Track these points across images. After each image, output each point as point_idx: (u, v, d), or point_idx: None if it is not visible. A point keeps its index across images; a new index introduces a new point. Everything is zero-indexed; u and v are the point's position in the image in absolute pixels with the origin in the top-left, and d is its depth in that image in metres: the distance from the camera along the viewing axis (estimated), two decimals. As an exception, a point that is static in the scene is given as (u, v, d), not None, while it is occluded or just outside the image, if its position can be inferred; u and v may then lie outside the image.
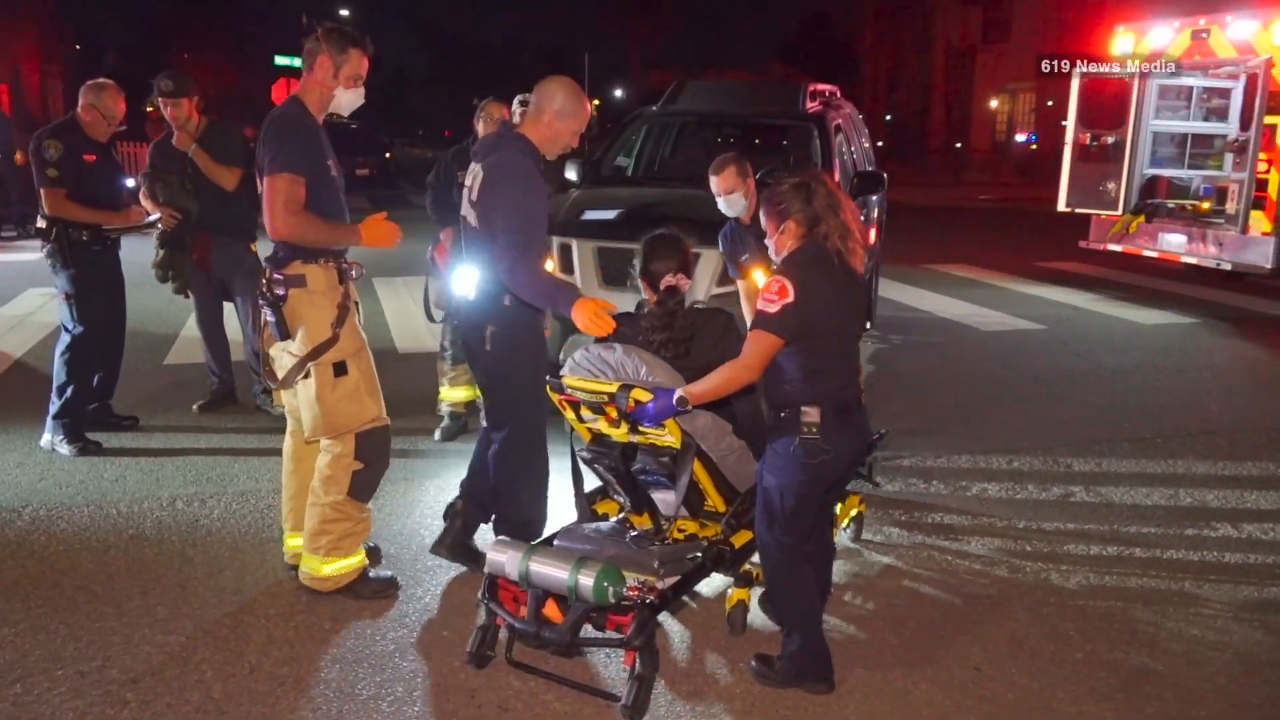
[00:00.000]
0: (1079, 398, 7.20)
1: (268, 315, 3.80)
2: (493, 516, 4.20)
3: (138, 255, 7.16)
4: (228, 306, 6.43)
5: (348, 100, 3.89)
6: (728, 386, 3.28)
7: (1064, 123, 12.33)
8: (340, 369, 3.83)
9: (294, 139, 3.71)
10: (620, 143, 8.23)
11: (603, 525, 3.67)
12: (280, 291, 3.75)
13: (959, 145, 38.69)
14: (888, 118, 43.87)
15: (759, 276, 4.96)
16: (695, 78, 9.71)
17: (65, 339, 5.73)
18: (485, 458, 4.11)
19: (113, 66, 26.12)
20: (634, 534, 3.57)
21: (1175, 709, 3.38)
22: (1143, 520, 4.97)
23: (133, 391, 6.66)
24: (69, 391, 5.68)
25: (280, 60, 24.89)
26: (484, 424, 4.17)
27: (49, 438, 5.68)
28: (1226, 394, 7.39)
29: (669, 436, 3.38)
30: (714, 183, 4.91)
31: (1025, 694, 3.44)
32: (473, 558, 4.17)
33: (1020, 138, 37.86)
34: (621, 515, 3.82)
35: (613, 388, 3.34)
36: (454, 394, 5.99)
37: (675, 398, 3.24)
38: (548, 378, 3.60)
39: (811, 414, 3.19)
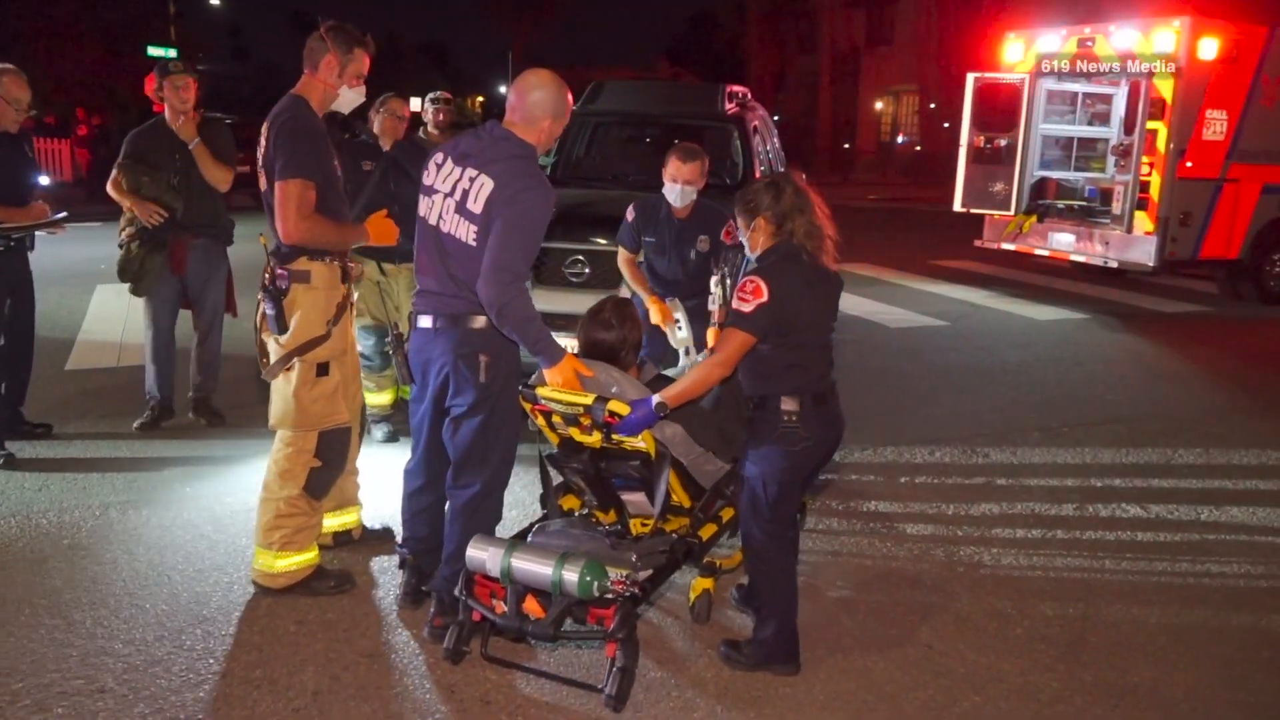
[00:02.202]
0: (987, 391, 7.62)
1: (267, 308, 3.86)
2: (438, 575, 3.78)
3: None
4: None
5: (350, 99, 3.97)
6: (703, 385, 3.45)
7: (946, 125, 12.91)
8: (323, 370, 3.90)
9: (306, 142, 3.77)
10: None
11: (572, 522, 3.78)
12: (283, 285, 3.84)
13: (846, 146, 39.75)
14: (775, 117, 44.78)
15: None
16: (578, 75, 9.84)
17: None
18: (429, 514, 3.84)
19: None
20: (606, 530, 3.70)
21: (1112, 676, 3.69)
22: (1060, 503, 5.33)
23: (37, 399, 6.44)
24: (-22, 400, 5.49)
25: (154, 51, 24.02)
26: (417, 462, 3.80)
27: (-39, 449, 5.48)
28: (1122, 385, 7.91)
29: (641, 443, 3.50)
30: (678, 168, 4.91)
31: (975, 668, 3.70)
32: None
33: (901, 139, 39.16)
34: (585, 511, 3.94)
35: (588, 399, 3.42)
36: (381, 398, 6.01)
37: (654, 404, 3.35)
38: (520, 387, 3.61)
39: (791, 404, 3.39)
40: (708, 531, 3.86)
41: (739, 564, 4.22)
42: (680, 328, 4.82)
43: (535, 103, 3.42)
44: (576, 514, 3.96)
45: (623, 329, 3.78)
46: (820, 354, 3.49)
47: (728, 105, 8.16)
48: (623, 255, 5.26)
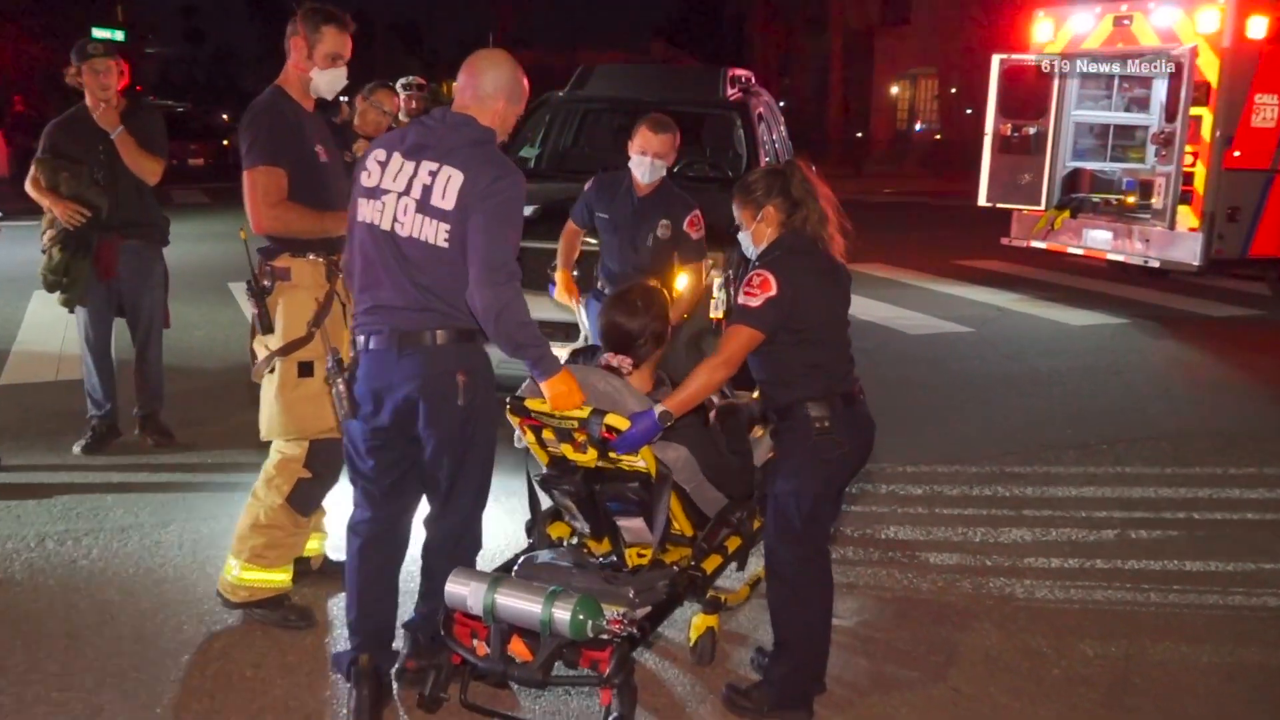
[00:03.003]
0: (1017, 403, 7.61)
1: (252, 307, 3.96)
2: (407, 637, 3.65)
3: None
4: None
5: (326, 82, 4.02)
6: (707, 388, 3.45)
7: (968, 111, 12.94)
8: (306, 369, 3.96)
9: (269, 128, 3.87)
10: (523, 133, 8.30)
11: (562, 553, 3.74)
12: (267, 284, 3.94)
13: (859, 135, 39.85)
14: (781, 104, 44.86)
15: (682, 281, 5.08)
16: (565, 59, 9.82)
17: None
18: (387, 581, 3.63)
19: None
20: (600, 562, 3.66)
21: (1159, 721, 3.67)
22: (1098, 529, 5.31)
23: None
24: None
25: (99, 34, 24.02)
26: (367, 515, 3.56)
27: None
28: (1165, 397, 7.91)
29: (641, 462, 3.48)
30: (648, 139, 4.88)
31: (1008, 713, 3.67)
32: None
33: (920, 126, 39.27)
34: (576, 541, 3.91)
35: (583, 413, 3.40)
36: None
37: (657, 415, 3.35)
38: (508, 399, 3.59)
39: (820, 409, 3.39)
40: (712, 563, 3.83)
41: (746, 598, 4.19)
42: (581, 309, 4.83)
43: (488, 84, 3.36)
44: (566, 543, 3.93)
45: (647, 316, 3.77)
46: (840, 351, 3.52)
47: (729, 91, 8.15)
48: (568, 228, 5.23)
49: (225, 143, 27.56)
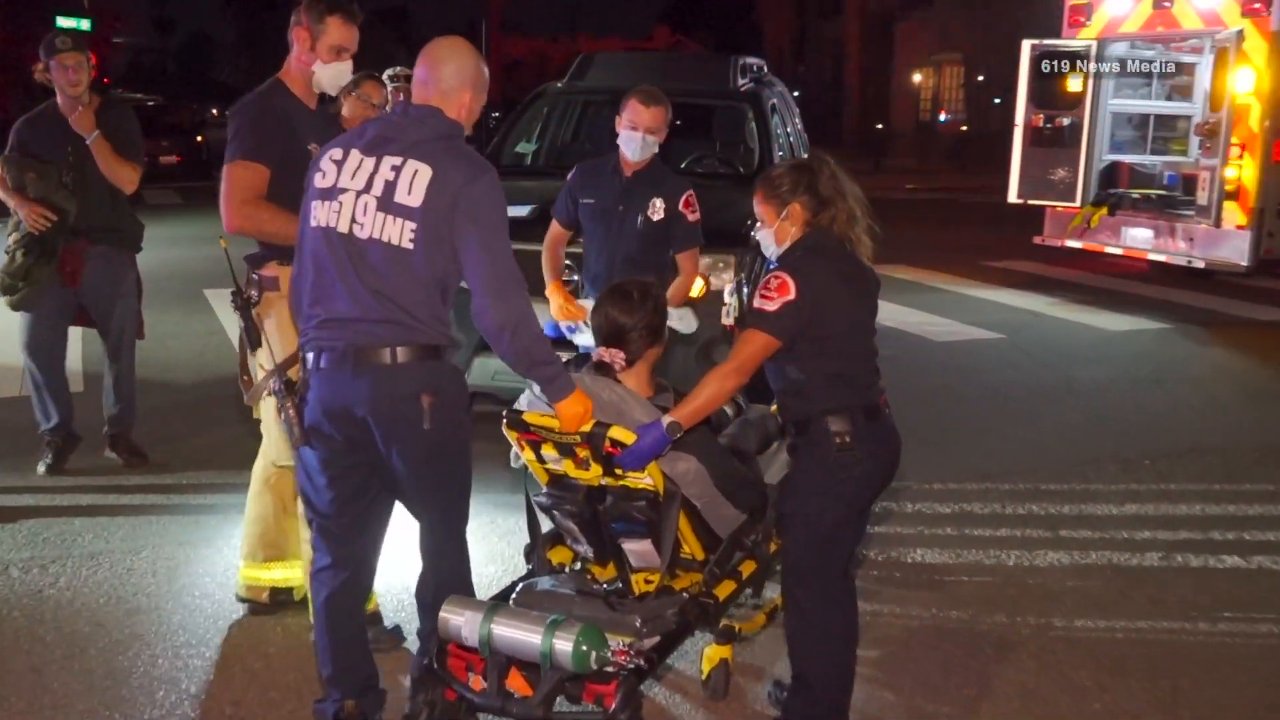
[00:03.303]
0: (1052, 415, 7.61)
1: (239, 321, 3.98)
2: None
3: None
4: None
5: (329, 76, 4.06)
6: (718, 398, 3.45)
7: (997, 101, 12.94)
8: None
9: (252, 124, 3.92)
10: (520, 126, 8.33)
11: (563, 579, 3.75)
12: (254, 294, 3.94)
13: (879, 127, 39.90)
14: (795, 94, 44.93)
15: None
16: (563, 48, 9.82)
17: None
18: (355, 622, 3.56)
19: None
20: (605, 588, 3.67)
21: (1209, 759, 3.66)
22: (1141, 552, 5.30)
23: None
24: None
25: (65, 23, 24.10)
26: (328, 561, 3.47)
27: None
28: (1211, 408, 7.91)
29: (648, 479, 3.48)
30: (639, 113, 4.75)
31: (1046, 751, 3.67)
32: None
33: (944, 117, 39.26)
34: (579, 566, 3.92)
35: (587, 426, 3.41)
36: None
37: (665, 426, 3.36)
38: (504, 413, 3.59)
39: (841, 424, 3.39)
40: (725, 590, 3.83)
41: (762, 627, 4.19)
42: (586, 326, 4.56)
43: (451, 76, 3.30)
44: (568, 569, 3.93)
45: (643, 309, 3.77)
46: (865, 360, 3.52)
47: (740, 80, 8.17)
48: (552, 231, 5.11)
49: (200, 139, 27.57)
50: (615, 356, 3.75)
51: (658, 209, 4.88)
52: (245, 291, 3.96)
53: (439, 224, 3.16)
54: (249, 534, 4.40)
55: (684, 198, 4.91)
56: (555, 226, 5.12)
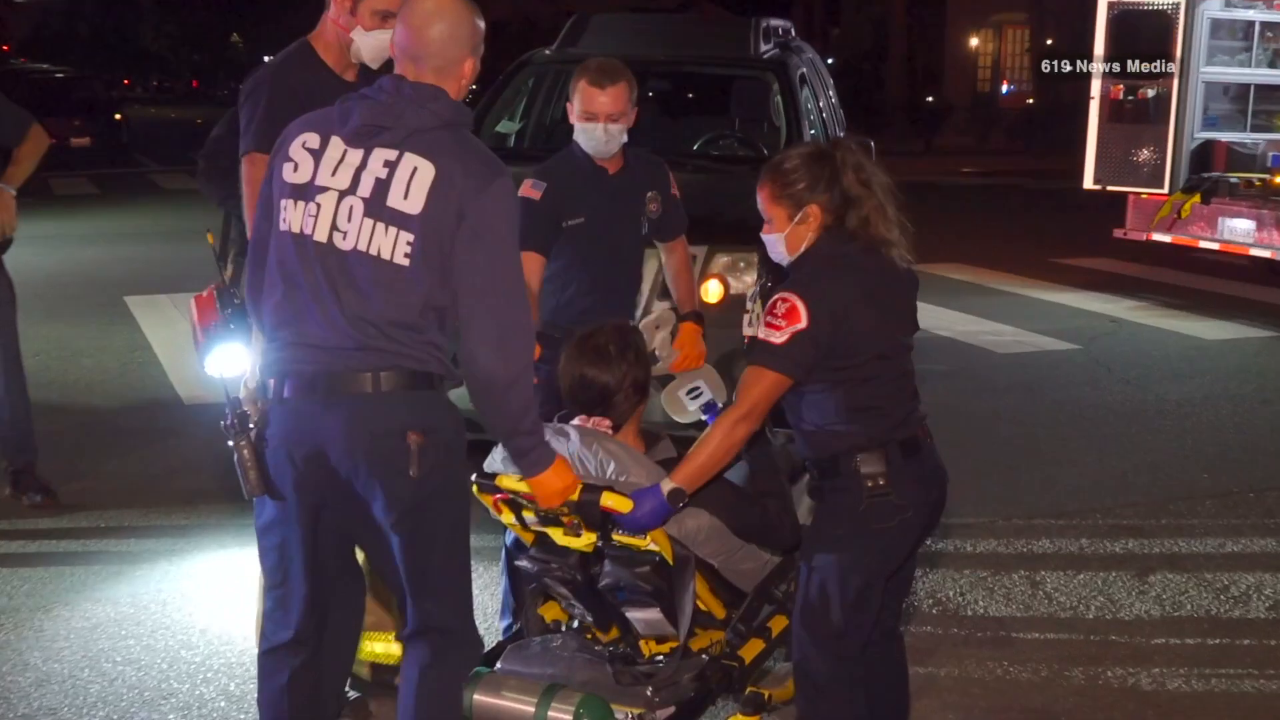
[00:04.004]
0: (1138, 440, 7.61)
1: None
2: None
3: None
4: None
5: (370, 46, 3.96)
6: (726, 452, 3.38)
7: (1069, 69, 12.95)
8: None
9: (266, 106, 3.86)
10: (501, 103, 8.35)
11: (559, 639, 3.74)
12: (237, 301, 3.82)
13: (930, 100, 39.94)
14: (829, 61, 44.96)
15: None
16: (555, 6, 9.79)
17: None
18: (322, 703, 3.43)
19: None
20: (610, 650, 3.66)
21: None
22: (1244, 601, 5.30)
23: None
24: None
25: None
26: (286, 633, 3.30)
27: None
28: (1328, 431, 7.92)
29: (652, 544, 3.44)
30: (592, 98, 4.41)
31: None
32: None
33: (1007, 89, 39.28)
34: (576, 625, 3.91)
35: (574, 495, 3.33)
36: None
37: (666, 493, 3.31)
38: (475, 478, 3.51)
39: (874, 464, 3.35)
40: (751, 650, 3.81)
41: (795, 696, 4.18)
42: (700, 393, 4.29)
43: (445, 40, 3.10)
44: (565, 627, 3.93)
45: (624, 363, 3.73)
46: (900, 385, 3.47)
47: (763, 46, 8.21)
48: (530, 264, 4.25)
49: (118, 116, 27.67)
50: (600, 424, 3.72)
51: (655, 203, 4.70)
52: (235, 298, 3.85)
53: (441, 238, 3.00)
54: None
55: (670, 176, 4.77)
56: (532, 260, 4.34)
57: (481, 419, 3.20)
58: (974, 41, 40.74)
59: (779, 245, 3.51)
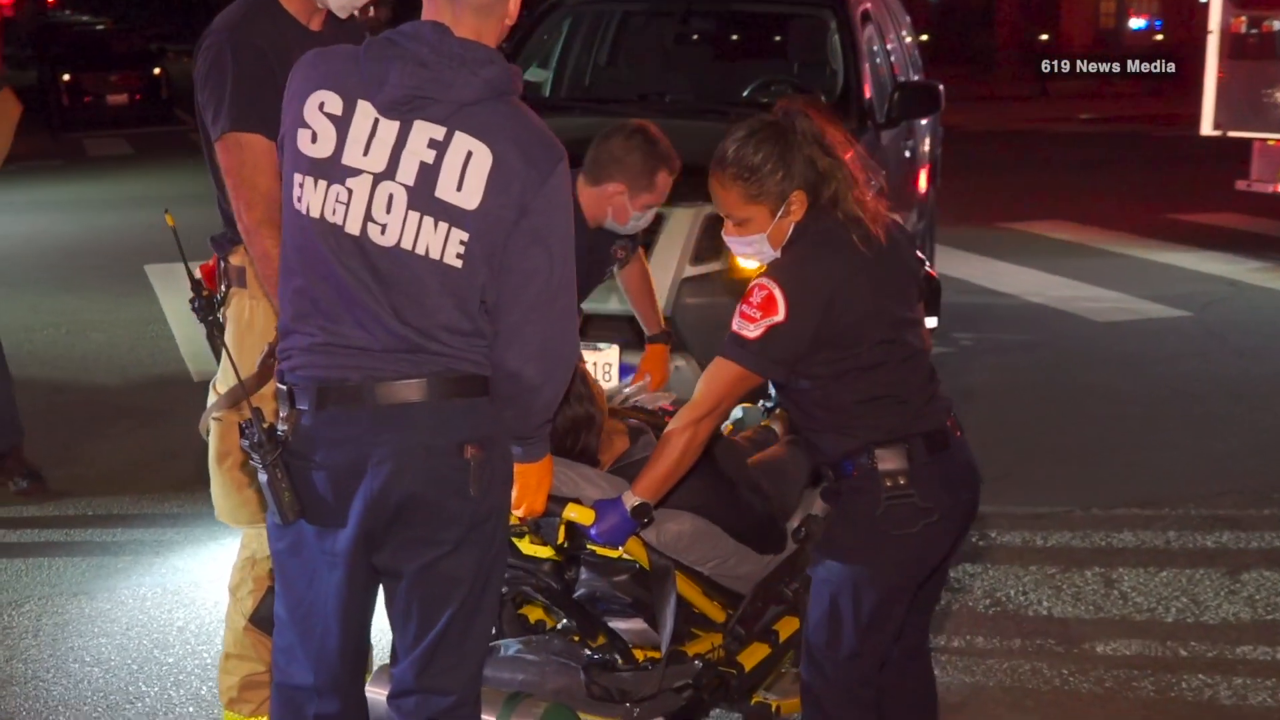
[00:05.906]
0: (1245, 420, 7.48)
1: (201, 327, 3.78)
2: None
3: None
4: None
5: None
6: (687, 454, 3.30)
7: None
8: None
9: (237, 76, 3.51)
10: (531, 47, 8.30)
11: (537, 640, 3.73)
12: (223, 287, 3.75)
13: (1044, 38, 39.51)
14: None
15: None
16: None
17: None
18: None
19: None
20: (591, 657, 3.63)
21: None
22: (1353, 606, 5.18)
23: None
24: None
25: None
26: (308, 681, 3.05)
27: None
28: None
29: (625, 554, 3.44)
30: (666, 187, 4.38)
31: None
32: None
33: (1137, 24, 38.68)
34: (560, 626, 3.88)
35: (539, 507, 3.26)
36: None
37: (629, 509, 3.27)
38: None
39: (893, 460, 3.22)
40: (754, 656, 3.78)
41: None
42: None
43: None
44: (549, 628, 3.90)
45: (568, 404, 3.59)
46: (912, 366, 3.33)
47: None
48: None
49: (158, 71, 28.05)
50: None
51: (624, 250, 4.70)
52: (205, 286, 3.69)
53: (496, 236, 2.78)
54: (226, 669, 3.98)
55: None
56: None
57: (507, 410, 2.97)
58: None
59: (763, 245, 3.34)
